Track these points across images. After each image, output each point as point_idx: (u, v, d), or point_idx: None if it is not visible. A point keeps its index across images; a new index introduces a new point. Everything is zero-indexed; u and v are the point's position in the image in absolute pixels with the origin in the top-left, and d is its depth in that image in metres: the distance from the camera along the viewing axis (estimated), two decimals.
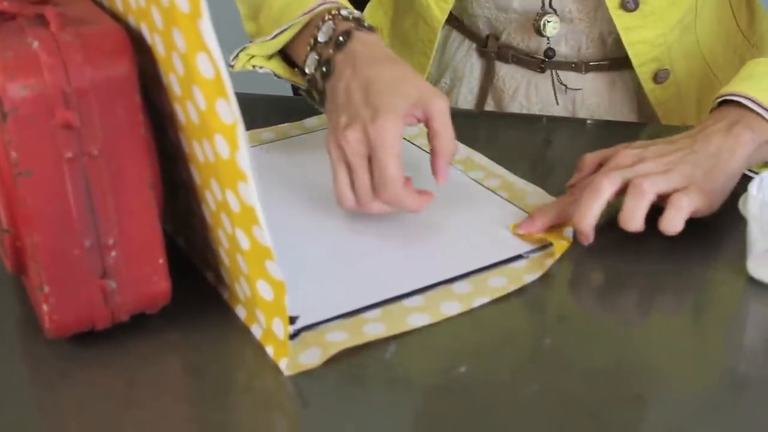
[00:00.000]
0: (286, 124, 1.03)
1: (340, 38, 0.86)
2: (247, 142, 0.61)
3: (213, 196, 0.68)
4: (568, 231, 0.82)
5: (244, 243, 0.66)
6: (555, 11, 1.04)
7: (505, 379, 0.68)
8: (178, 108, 0.67)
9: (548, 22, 1.04)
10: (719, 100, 0.86)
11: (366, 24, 0.88)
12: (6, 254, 0.70)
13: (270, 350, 0.70)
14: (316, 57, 0.88)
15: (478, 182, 0.91)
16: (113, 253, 0.67)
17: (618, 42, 1.05)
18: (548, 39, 1.06)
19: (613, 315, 0.75)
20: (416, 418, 0.66)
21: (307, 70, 0.89)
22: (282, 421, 0.68)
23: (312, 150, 0.98)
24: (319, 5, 0.89)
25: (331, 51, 0.86)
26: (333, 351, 0.69)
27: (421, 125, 0.83)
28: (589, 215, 0.79)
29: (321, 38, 0.87)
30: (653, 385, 0.67)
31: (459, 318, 0.73)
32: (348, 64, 0.84)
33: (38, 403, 0.69)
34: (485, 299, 0.75)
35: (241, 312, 0.74)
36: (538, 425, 0.64)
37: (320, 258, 0.81)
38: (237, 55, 0.92)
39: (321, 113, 1.04)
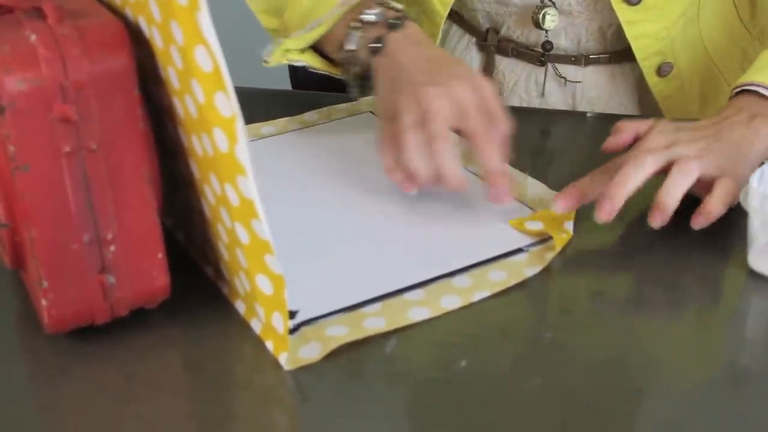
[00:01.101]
0: (285, 119, 1.03)
1: (395, 21, 0.90)
2: (246, 136, 0.61)
3: (212, 190, 0.67)
4: (569, 224, 0.82)
5: (244, 237, 0.66)
6: (554, 4, 1.04)
7: (506, 373, 0.68)
8: (176, 102, 0.66)
9: (547, 14, 1.04)
10: (736, 90, 0.87)
11: (410, 16, 0.92)
12: (5, 249, 0.69)
13: (270, 345, 0.70)
14: (362, 34, 0.91)
15: (478, 175, 0.91)
16: (112, 248, 0.67)
17: (618, 35, 1.05)
18: (546, 32, 1.06)
19: (614, 308, 0.75)
20: (417, 412, 0.66)
21: (348, 47, 0.91)
22: (282, 416, 0.67)
23: (311, 144, 0.98)
24: None
25: (383, 30, 0.90)
26: (333, 345, 0.69)
27: None
28: (627, 185, 0.78)
29: (370, 19, 0.91)
30: (654, 379, 0.67)
31: (459, 311, 0.73)
32: (408, 42, 0.88)
33: (37, 399, 0.69)
34: (485, 293, 0.75)
35: (240, 307, 0.74)
36: (539, 419, 0.64)
37: (320, 252, 0.81)
38: (272, 51, 0.95)
39: (320, 107, 1.04)
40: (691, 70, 1.08)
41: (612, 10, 1.02)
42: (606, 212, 0.78)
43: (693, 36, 1.08)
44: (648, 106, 1.11)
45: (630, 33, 1.03)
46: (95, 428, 0.65)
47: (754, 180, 0.75)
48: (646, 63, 1.05)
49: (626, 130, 0.84)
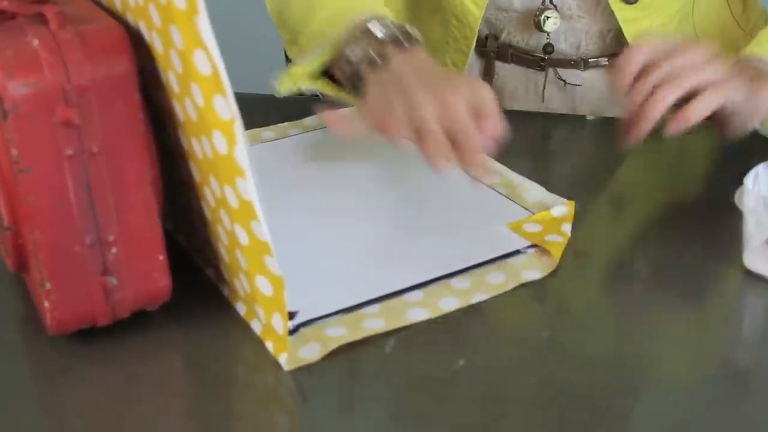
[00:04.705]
0: (285, 123, 1.04)
1: (401, 38, 0.87)
2: (246, 139, 0.62)
3: (212, 192, 0.68)
4: (566, 226, 0.82)
5: (243, 238, 0.66)
6: (555, 7, 1.05)
7: (504, 372, 0.68)
8: (176, 105, 0.67)
9: (548, 17, 1.04)
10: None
11: (420, 40, 0.90)
12: (7, 252, 0.70)
13: (270, 345, 0.70)
14: (366, 47, 0.87)
15: (477, 179, 0.91)
16: (114, 250, 0.68)
17: (617, 39, 1.06)
18: (548, 34, 1.07)
19: (611, 307, 0.76)
20: (415, 411, 0.66)
21: (351, 57, 0.88)
22: (282, 415, 0.68)
23: (311, 148, 0.99)
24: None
25: (390, 47, 0.87)
26: (332, 346, 0.70)
27: None
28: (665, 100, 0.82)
29: (378, 34, 0.88)
30: (650, 376, 0.68)
31: (457, 311, 0.74)
32: (409, 60, 0.85)
33: (39, 400, 0.69)
34: (484, 296, 0.75)
35: (240, 308, 0.74)
36: (537, 417, 0.65)
37: (319, 253, 0.81)
38: (281, 79, 0.93)
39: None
40: None
41: (612, 14, 1.03)
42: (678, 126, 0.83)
43: (688, 32, 1.09)
44: None
45: (628, 32, 1.04)
46: (97, 429, 0.65)
47: (749, 180, 0.76)
48: None
49: (629, 64, 0.85)
